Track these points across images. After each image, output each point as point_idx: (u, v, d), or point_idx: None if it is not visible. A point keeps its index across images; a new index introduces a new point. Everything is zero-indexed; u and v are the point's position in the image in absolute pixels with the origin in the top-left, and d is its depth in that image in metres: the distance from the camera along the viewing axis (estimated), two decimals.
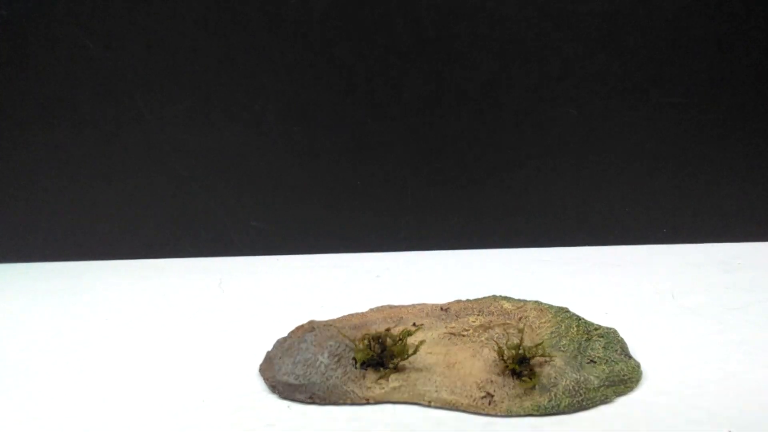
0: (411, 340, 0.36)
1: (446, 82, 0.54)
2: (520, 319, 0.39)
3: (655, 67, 0.54)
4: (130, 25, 0.52)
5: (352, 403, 0.33)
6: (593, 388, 0.32)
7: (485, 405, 0.32)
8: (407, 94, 0.54)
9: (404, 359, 0.34)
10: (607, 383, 0.33)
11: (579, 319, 0.38)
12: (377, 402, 0.33)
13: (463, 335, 0.37)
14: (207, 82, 0.54)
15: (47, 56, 0.53)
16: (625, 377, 0.33)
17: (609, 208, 0.57)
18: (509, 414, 0.32)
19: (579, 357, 0.35)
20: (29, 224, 0.59)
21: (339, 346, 0.36)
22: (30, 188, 0.57)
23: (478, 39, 0.53)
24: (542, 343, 0.35)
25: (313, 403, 0.33)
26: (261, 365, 0.37)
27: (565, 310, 0.40)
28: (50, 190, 0.58)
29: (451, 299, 0.43)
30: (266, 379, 0.35)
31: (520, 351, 0.34)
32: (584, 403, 0.32)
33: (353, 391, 0.33)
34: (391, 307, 0.43)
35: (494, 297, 0.42)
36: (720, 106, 0.55)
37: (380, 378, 0.34)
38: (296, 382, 0.34)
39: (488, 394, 0.32)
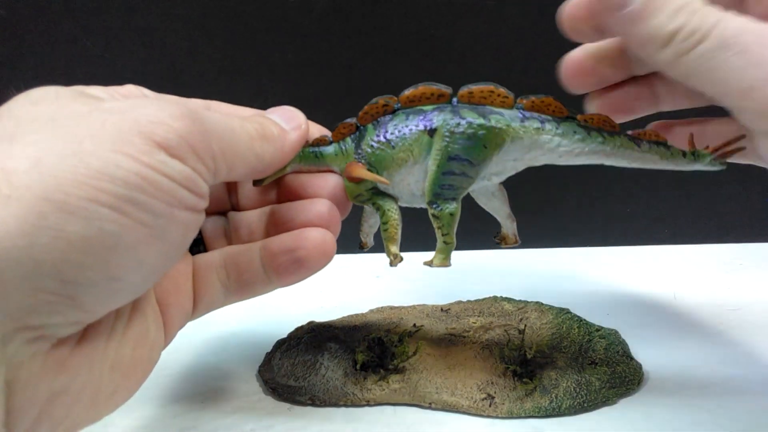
0: (411, 342, 0.36)
1: (446, 81, 0.54)
2: (521, 320, 0.39)
3: None
4: (129, 25, 0.52)
5: (353, 405, 0.33)
6: (595, 390, 0.32)
7: (486, 407, 0.32)
8: None
9: (404, 361, 0.34)
10: (608, 385, 0.33)
11: (580, 320, 0.38)
12: (377, 404, 0.33)
13: (464, 336, 0.37)
14: (206, 81, 0.54)
15: (46, 56, 0.52)
16: (627, 379, 0.33)
17: (610, 209, 0.57)
18: (510, 416, 0.31)
19: (580, 358, 0.35)
20: None
21: (339, 348, 0.36)
22: None
23: (479, 38, 0.53)
24: (543, 344, 0.35)
25: (313, 404, 0.33)
26: (260, 367, 0.36)
27: (567, 311, 0.39)
28: None
29: (452, 300, 0.43)
30: (266, 381, 0.35)
31: (521, 352, 0.33)
32: (586, 405, 0.32)
33: (353, 393, 0.33)
34: (391, 308, 0.42)
35: (495, 298, 0.42)
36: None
37: (380, 380, 0.33)
38: (296, 384, 0.34)
39: (489, 395, 0.32)
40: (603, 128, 0.30)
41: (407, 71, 0.53)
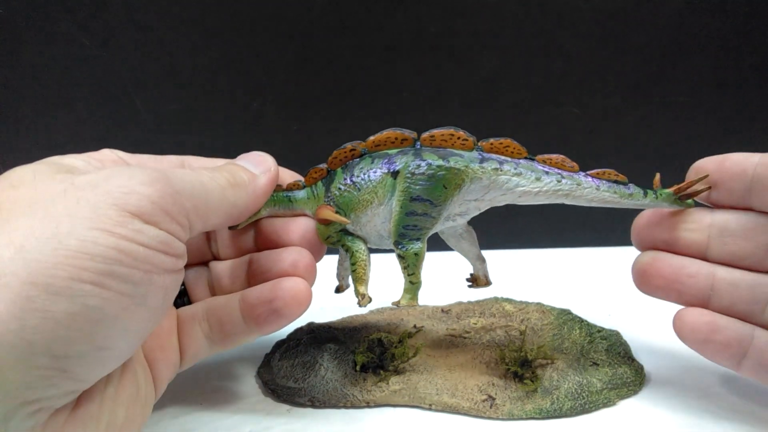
0: (411, 343, 0.36)
1: (447, 79, 0.54)
2: (522, 321, 0.38)
3: (658, 66, 0.53)
4: (126, 23, 0.52)
5: (352, 407, 0.33)
6: (596, 391, 0.32)
7: (486, 408, 0.31)
8: (407, 92, 0.54)
9: (405, 362, 0.34)
10: (610, 386, 0.32)
11: (582, 321, 0.38)
12: (377, 405, 0.33)
13: (465, 337, 0.37)
14: (204, 79, 0.53)
15: (44, 54, 0.52)
16: (629, 380, 0.33)
17: (611, 209, 0.57)
18: (511, 417, 0.31)
19: (582, 359, 0.34)
20: None
21: (339, 349, 0.36)
22: None
23: (479, 36, 0.53)
24: (544, 345, 0.35)
25: (313, 406, 0.33)
26: (259, 368, 0.36)
27: (568, 312, 0.39)
28: None
29: (453, 301, 0.42)
30: (265, 382, 0.35)
31: (522, 353, 0.33)
32: (587, 406, 0.32)
33: (353, 395, 0.33)
34: (391, 309, 0.42)
35: (496, 299, 0.42)
36: (723, 105, 0.54)
37: (380, 381, 0.33)
38: (295, 386, 0.33)
39: (489, 396, 0.32)
40: (562, 168, 0.31)
41: (407, 70, 0.53)
